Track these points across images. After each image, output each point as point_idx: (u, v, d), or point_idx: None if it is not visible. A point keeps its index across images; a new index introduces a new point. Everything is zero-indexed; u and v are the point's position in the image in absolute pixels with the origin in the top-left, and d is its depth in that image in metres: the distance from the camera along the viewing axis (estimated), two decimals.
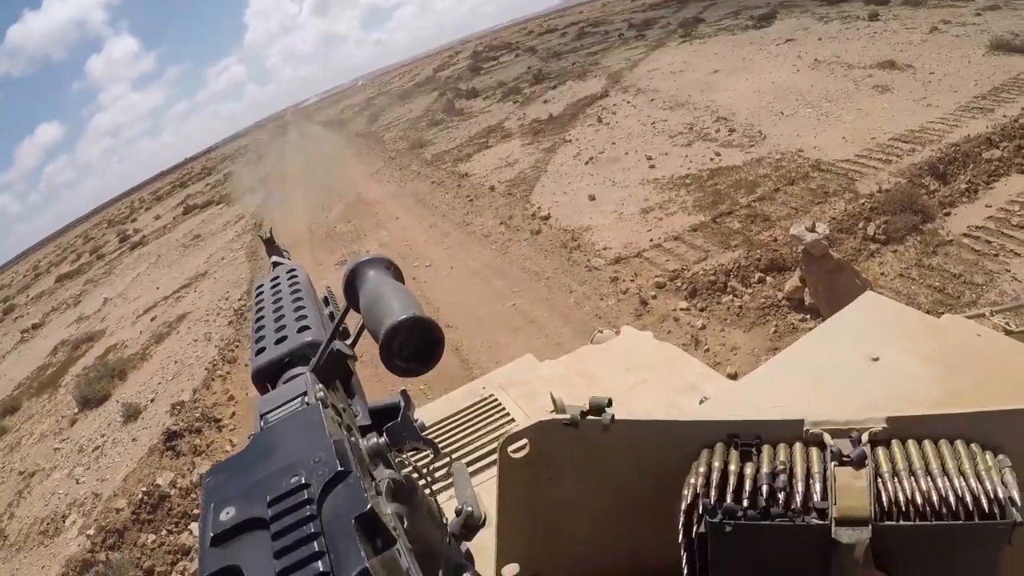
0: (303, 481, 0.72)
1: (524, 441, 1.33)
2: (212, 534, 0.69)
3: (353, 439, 0.90)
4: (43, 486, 11.57)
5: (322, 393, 0.97)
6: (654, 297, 9.47)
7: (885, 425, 1.21)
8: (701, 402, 1.88)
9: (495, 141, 21.99)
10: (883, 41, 19.57)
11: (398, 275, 1.11)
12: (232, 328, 14.54)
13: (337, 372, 1.10)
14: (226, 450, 9.83)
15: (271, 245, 1.94)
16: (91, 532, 9.02)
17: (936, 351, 1.60)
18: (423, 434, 1.06)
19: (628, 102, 21.08)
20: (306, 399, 0.95)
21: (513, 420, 2.46)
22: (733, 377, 2.72)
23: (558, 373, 2.74)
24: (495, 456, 1.38)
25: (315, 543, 0.65)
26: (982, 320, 2.07)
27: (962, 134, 11.62)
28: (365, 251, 14.93)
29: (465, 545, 1.22)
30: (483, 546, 1.38)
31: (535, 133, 20.89)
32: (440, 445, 1.08)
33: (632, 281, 10.04)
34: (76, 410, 14.16)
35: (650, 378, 2.53)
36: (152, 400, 12.64)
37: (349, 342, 1.11)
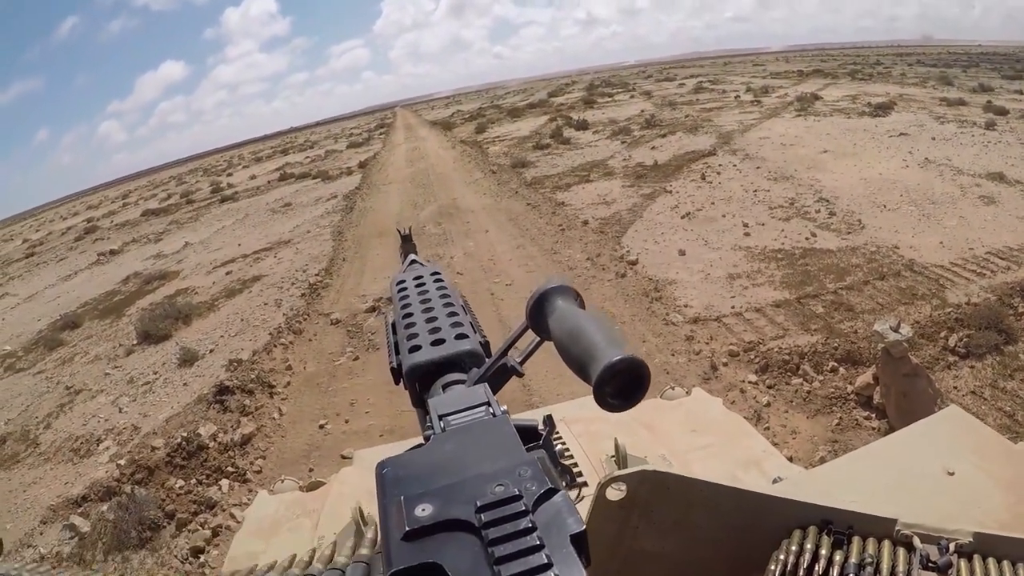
0: (516, 492, 0.72)
1: (623, 485, 1.34)
2: (408, 528, 0.71)
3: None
4: (85, 406, 11.89)
5: (505, 407, 1.00)
6: (725, 364, 9.46)
7: (972, 539, 1.25)
8: (775, 481, 1.95)
9: (596, 176, 22.10)
10: (996, 152, 19.32)
11: (583, 305, 1.09)
12: (304, 301, 14.73)
13: (500, 385, 1.13)
14: (273, 417, 10.02)
15: (408, 242, 1.96)
16: (122, 463, 9.24)
17: (1012, 476, 1.62)
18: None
19: (734, 165, 21.06)
20: (491, 409, 0.99)
21: (572, 457, 2.45)
22: (790, 460, 2.83)
23: (623, 420, 2.62)
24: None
25: (542, 554, 0.66)
26: None
27: None
28: (449, 257, 15.37)
29: None
30: None
31: (637, 177, 20.97)
32: None
33: (706, 344, 10.04)
34: (135, 342, 14.57)
35: (714, 445, 2.56)
36: (211, 351, 12.91)
37: (519, 359, 1.13)
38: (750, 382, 9.00)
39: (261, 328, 13.49)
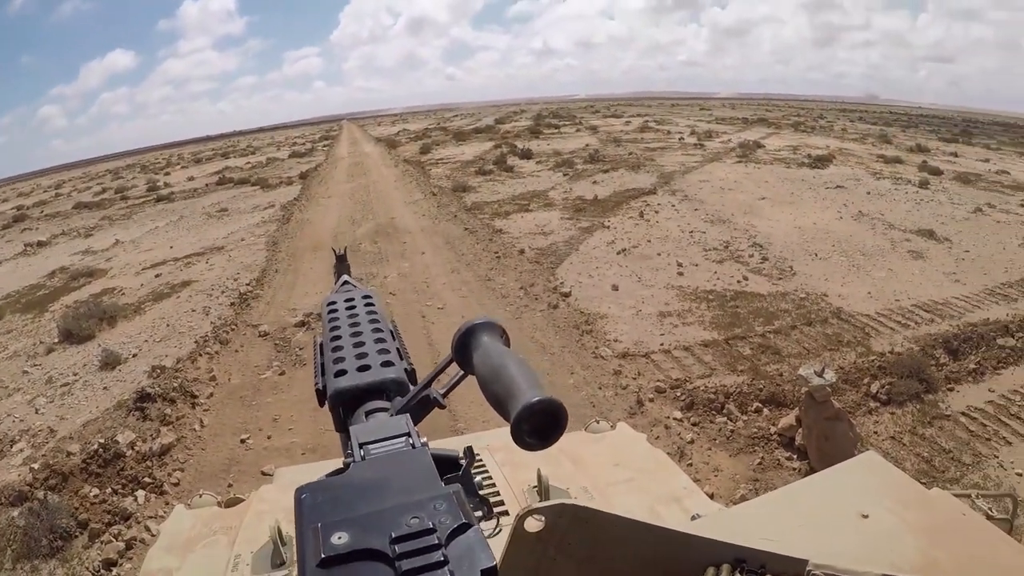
0: (430, 525, 0.75)
1: (541, 517, 1.34)
2: (323, 555, 0.71)
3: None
4: (0, 404, 11.42)
5: (425, 439, 1.03)
6: (651, 400, 9.45)
7: None
8: (693, 518, 1.94)
9: (536, 207, 22.14)
10: (927, 209, 19.90)
11: (508, 342, 1.15)
12: (232, 310, 14.40)
13: (422, 415, 1.16)
14: (194, 428, 9.71)
15: (342, 263, 2.02)
16: (36, 466, 8.84)
17: (923, 521, 1.68)
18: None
19: (673, 205, 21.27)
20: (411, 440, 1.02)
21: (494, 486, 2.47)
22: (710, 497, 2.83)
23: (547, 452, 2.63)
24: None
25: None
26: (966, 500, 2.03)
27: (982, 316, 11.86)
28: (383, 277, 15.24)
29: None
30: None
31: (576, 210, 21.06)
32: None
33: (634, 379, 10.03)
34: (56, 340, 14.05)
35: (636, 479, 2.58)
36: (134, 355, 12.51)
37: (442, 391, 1.17)
38: (675, 419, 9.01)
39: (187, 335, 13.13)
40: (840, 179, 25.15)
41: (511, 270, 15.47)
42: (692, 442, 8.52)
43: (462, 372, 1.14)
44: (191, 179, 46.84)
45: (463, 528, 0.75)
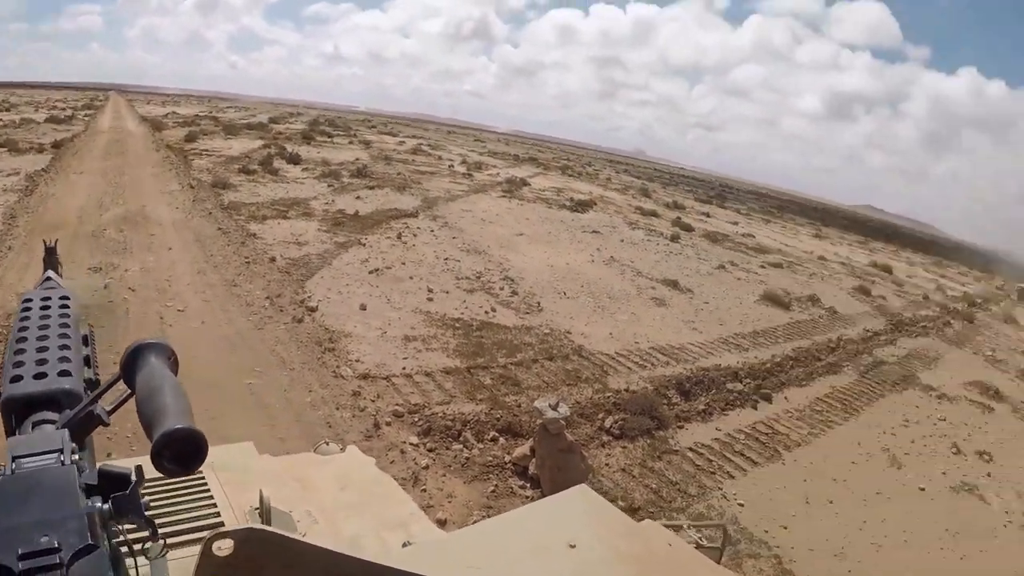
0: (55, 544, 0.76)
1: (230, 542, 1.24)
2: None
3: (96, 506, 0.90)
4: None
5: (77, 456, 0.99)
6: (388, 424, 9.40)
7: None
8: (405, 544, 1.99)
9: (295, 215, 21.62)
10: (675, 262, 21.09)
11: (175, 367, 1.15)
12: None
13: (87, 431, 1.11)
14: None
15: (51, 255, 1.88)
16: None
17: (630, 550, 1.73)
18: (146, 513, 1.04)
19: (432, 231, 21.42)
20: (62, 457, 0.97)
21: (216, 505, 2.36)
22: (442, 523, 2.75)
23: (274, 471, 2.71)
24: (187, 537, 1.48)
25: None
26: (681, 531, 2.22)
27: (715, 362, 12.75)
28: (124, 269, 14.34)
29: None
30: None
31: (335, 224, 20.75)
32: None
33: (372, 401, 9.95)
34: None
35: (362, 504, 2.55)
36: None
37: (109, 408, 1.12)
38: (412, 444, 8.99)
39: None
40: (598, 225, 26.17)
41: (259, 277, 14.96)
42: (427, 468, 8.52)
43: (129, 391, 1.11)
44: None
45: (88, 549, 0.76)
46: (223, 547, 1.23)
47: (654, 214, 32.36)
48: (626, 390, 10.82)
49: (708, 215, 38.62)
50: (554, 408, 8.14)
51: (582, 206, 30.17)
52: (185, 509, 2.26)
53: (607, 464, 9.07)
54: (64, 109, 67.16)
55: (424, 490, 8.06)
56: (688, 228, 28.94)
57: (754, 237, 32.50)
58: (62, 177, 25.69)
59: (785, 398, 12.47)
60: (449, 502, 7.99)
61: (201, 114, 75.09)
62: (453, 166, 42.85)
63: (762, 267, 24.36)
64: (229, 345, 11.21)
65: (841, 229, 64.73)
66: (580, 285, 16.62)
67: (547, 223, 25.24)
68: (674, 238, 25.61)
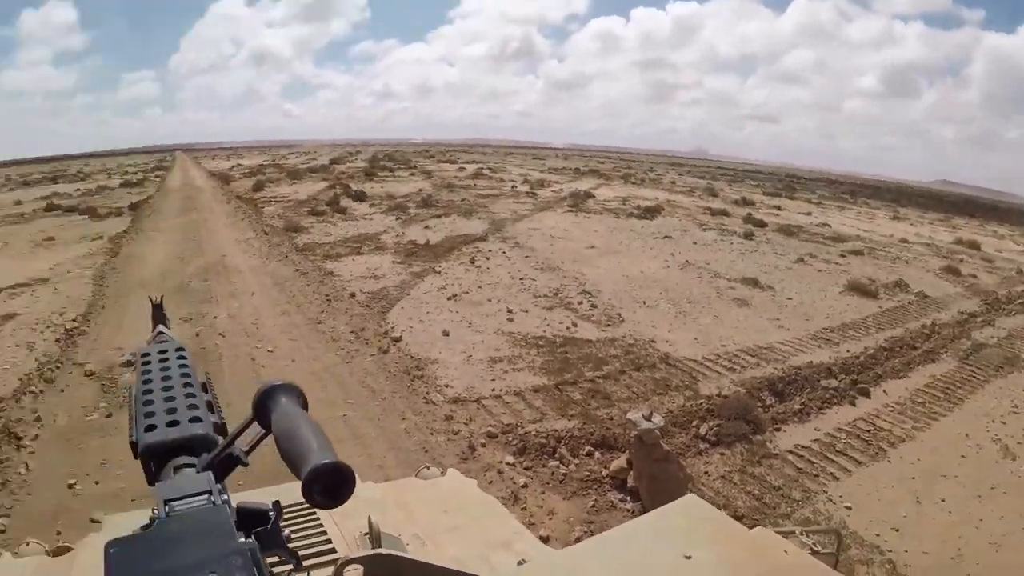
0: None
1: (359, 567, 1.35)
2: None
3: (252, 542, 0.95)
4: None
5: (226, 496, 1.05)
6: (483, 445, 9.39)
7: None
8: (520, 563, 1.95)
9: (368, 250, 21.94)
10: (752, 259, 20.73)
11: (305, 404, 1.17)
12: (58, 346, 13.52)
13: (227, 472, 1.16)
14: (19, 472, 9.08)
15: (158, 311, 2.03)
16: None
17: (745, 560, 1.71)
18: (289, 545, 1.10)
19: (504, 252, 21.47)
20: (211, 498, 1.02)
21: (325, 533, 2.41)
22: (545, 540, 2.76)
23: (377, 498, 2.71)
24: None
25: None
26: (792, 537, 2.13)
27: (805, 359, 12.44)
28: (212, 317, 14.68)
29: None
30: None
31: (408, 254, 20.97)
32: None
33: (465, 424, 9.96)
34: None
35: (466, 526, 2.54)
36: None
37: (245, 449, 1.17)
38: (508, 463, 8.95)
39: (10, 371, 12.24)
40: (668, 230, 25.96)
41: (341, 313, 15.17)
42: (526, 486, 8.46)
43: (264, 431, 1.15)
44: (18, 203, 44.19)
45: None
46: (353, 572, 1.35)
47: (724, 213, 31.96)
48: (718, 395, 10.64)
49: (779, 208, 37.97)
50: (648, 418, 8.01)
51: (650, 212, 29.99)
52: (298, 539, 2.30)
53: (706, 472, 8.91)
54: (135, 173, 69.23)
55: (524, 508, 8.04)
56: (760, 224, 28.52)
57: (829, 226, 31.86)
58: (142, 237, 26.46)
59: (884, 392, 12.02)
60: (550, 519, 7.95)
61: (265, 163, 76.66)
62: (515, 186, 42.92)
63: (842, 256, 23.81)
64: (319, 381, 11.35)
65: (919, 208, 61.71)
66: (658, 292, 16.49)
67: (617, 233, 25.13)
68: (747, 235, 25.24)
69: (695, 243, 23.34)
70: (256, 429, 1.17)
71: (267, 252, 22.32)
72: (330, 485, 0.96)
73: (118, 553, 0.85)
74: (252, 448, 1.17)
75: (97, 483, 8.70)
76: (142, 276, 18.49)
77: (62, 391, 11.46)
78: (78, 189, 52.53)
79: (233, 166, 74.66)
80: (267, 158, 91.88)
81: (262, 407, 1.14)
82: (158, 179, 60.07)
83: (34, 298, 17.43)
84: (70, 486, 8.67)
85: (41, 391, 11.42)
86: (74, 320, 15.19)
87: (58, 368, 12.37)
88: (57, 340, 13.90)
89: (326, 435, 1.03)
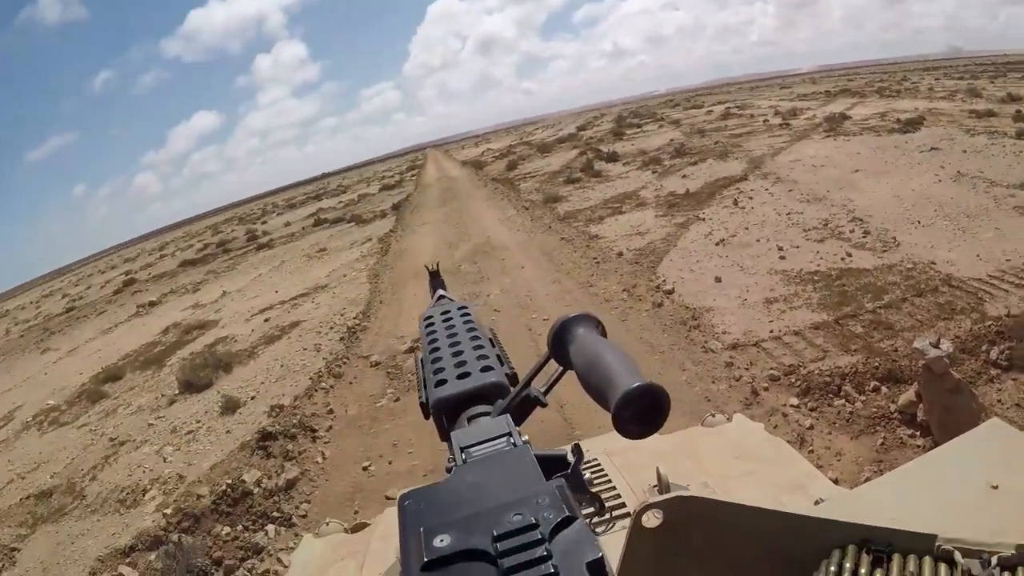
0: (532, 520, 0.73)
1: (659, 512, 1.30)
2: (426, 559, 0.71)
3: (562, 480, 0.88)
4: (130, 457, 11.98)
5: (526, 437, 1.02)
6: (766, 389, 9.36)
7: (1015, 551, 1.21)
8: (817, 503, 1.83)
9: (629, 208, 22.14)
10: None
11: (604, 333, 1.13)
12: (343, 344, 14.83)
13: (524, 416, 1.15)
14: (316, 461, 10.09)
15: (436, 278, 2.01)
16: (168, 511, 9.31)
17: None
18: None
19: (766, 189, 21.04)
20: (512, 439, 1.00)
21: (614, 487, 2.47)
22: (834, 482, 2.77)
23: (664, 450, 2.71)
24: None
25: None
26: None
27: None
28: (486, 295, 15.40)
29: None
30: None
31: (670, 206, 20.98)
32: None
33: (746, 369, 9.95)
34: (176, 391, 14.69)
35: (757, 470, 2.52)
36: (252, 398, 12.98)
37: (543, 389, 1.15)
38: (792, 406, 8.89)
39: (301, 373, 13.55)
40: (933, 141, 24.36)
41: (611, 273, 15.51)
42: (811, 428, 8.41)
43: (561, 368, 1.14)
44: (287, 224, 48.11)
45: (567, 522, 0.74)
46: (653, 518, 1.30)
47: (991, 114, 29.40)
48: (1007, 315, 9.84)
49: None
50: (935, 346, 7.60)
51: (911, 125, 28.25)
52: None
53: (999, 400, 8.31)
54: (392, 176, 72.63)
55: (811, 451, 7.96)
56: None
57: None
58: (408, 232, 28.10)
59: None
60: (838, 460, 7.85)
61: (513, 143, 78.22)
62: (767, 120, 41.50)
63: None
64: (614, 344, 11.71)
65: None
66: (932, 210, 15.57)
67: (880, 152, 23.86)
68: (1020, 134, 22.97)
69: (964, 151, 21.70)
70: (553, 368, 1.15)
71: (530, 226, 23.05)
72: (643, 410, 0.90)
73: (413, 504, 0.84)
74: (550, 387, 1.16)
75: (390, 463, 9.44)
76: (414, 268, 19.53)
77: (350, 383, 12.51)
78: (341, 201, 56.23)
79: (483, 151, 76.82)
80: (514, 138, 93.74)
81: (558, 342, 1.11)
82: (414, 177, 62.64)
83: (315, 305, 19.10)
84: (364, 468, 9.47)
85: (331, 386, 12.55)
86: (355, 318, 16.53)
87: (345, 363, 13.54)
88: (341, 339, 15.21)
89: (631, 358, 0.99)
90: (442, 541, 0.73)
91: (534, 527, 0.73)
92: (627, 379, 0.91)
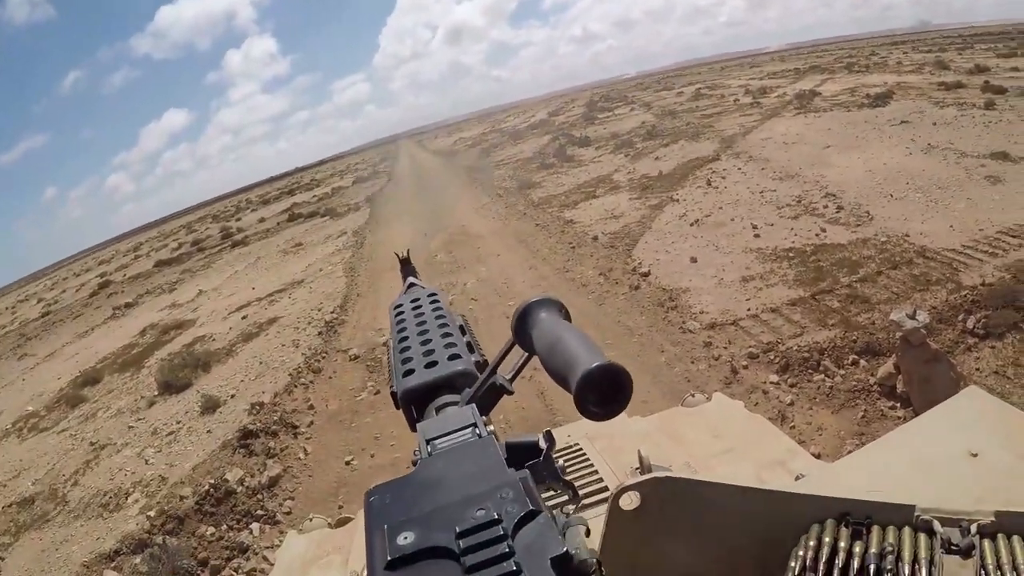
0: (495, 515, 0.73)
1: (636, 494, 1.32)
2: (389, 558, 0.71)
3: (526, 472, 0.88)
4: (111, 460, 11.91)
5: (492, 427, 1.02)
6: (745, 367, 9.46)
7: (994, 518, 1.23)
8: (797, 478, 1.88)
9: (603, 192, 22.17)
10: (998, 131, 19.21)
11: (567, 316, 1.09)
12: (321, 339, 14.82)
13: (491, 404, 1.14)
14: (299, 457, 10.11)
15: (407, 265, 1.98)
16: (152, 514, 9.31)
17: None
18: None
19: (739, 168, 21.09)
20: (477, 431, 0.99)
21: (596, 472, 2.49)
22: (816, 457, 2.78)
23: (646, 431, 2.74)
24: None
25: None
26: None
27: None
28: (462, 284, 15.41)
29: None
30: None
31: (643, 188, 21.04)
32: None
33: (725, 348, 10.04)
34: (156, 393, 14.58)
35: (738, 448, 2.54)
36: (232, 396, 12.93)
37: (509, 376, 1.13)
38: (772, 382, 8.98)
39: (280, 370, 13.51)
40: (903, 113, 24.53)
41: (587, 258, 15.58)
42: (792, 404, 8.49)
43: (526, 355, 1.10)
44: (262, 220, 47.83)
45: (530, 516, 0.73)
46: (631, 500, 1.32)
47: (959, 85, 29.55)
48: (982, 284, 10.01)
49: (1016, 69, 34.77)
50: (912, 317, 7.76)
51: (881, 99, 28.40)
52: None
53: (977, 369, 8.48)
54: (365, 169, 72.44)
55: (793, 426, 8.06)
56: (1000, 90, 26.19)
57: None
58: (383, 225, 28.09)
59: None
60: (820, 434, 7.95)
61: (485, 131, 77.92)
62: (738, 99, 41.59)
63: None
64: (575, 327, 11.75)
65: None
66: (905, 182, 15.69)
67: (851, 127, 23.99)
68: (989, 105, 23.29)
69: (934, 123, 21.85)
70: (519, 354, 1.11)
71: (505, 213, 23.16)
72: (605, 390, 0.86)
73: (378, 500, 0.83)
74: (516, 374, 1.13)
75: (372, 456, 9.49)
76: (390, 260, 19.48)
77: (330, 378, 12.53)
78: (314, 195, 55.90)
79: (455, 140, 76.63)
80: (486, 126, 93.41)
81: (521, 327, 1.07)
82: (388, 169, 62.55)
83: (292, 300, 19.03)
84: (347, 463, 9.52)
85: (311, 381, 12.56)
86: (332, 312, 16.49)
87: (324, 358, 13.55)
88: (319, 333, 15.17)
89: (592, 339, 0.96)
90: (406, 539, 0.73)
91: (496, 523, 0.72)
92: (587, 359, 0.88)
